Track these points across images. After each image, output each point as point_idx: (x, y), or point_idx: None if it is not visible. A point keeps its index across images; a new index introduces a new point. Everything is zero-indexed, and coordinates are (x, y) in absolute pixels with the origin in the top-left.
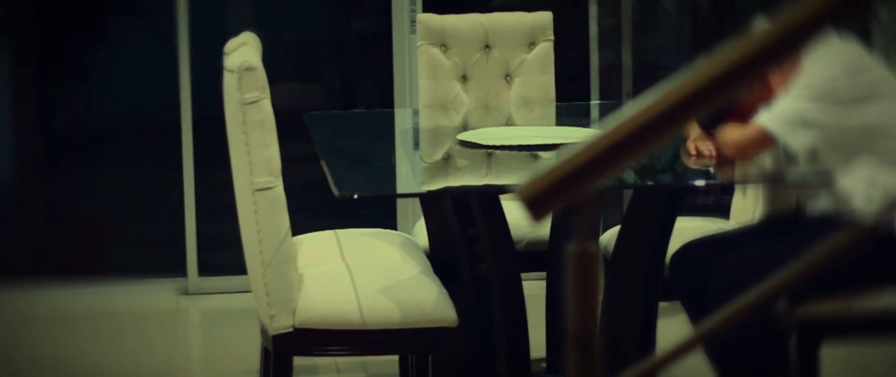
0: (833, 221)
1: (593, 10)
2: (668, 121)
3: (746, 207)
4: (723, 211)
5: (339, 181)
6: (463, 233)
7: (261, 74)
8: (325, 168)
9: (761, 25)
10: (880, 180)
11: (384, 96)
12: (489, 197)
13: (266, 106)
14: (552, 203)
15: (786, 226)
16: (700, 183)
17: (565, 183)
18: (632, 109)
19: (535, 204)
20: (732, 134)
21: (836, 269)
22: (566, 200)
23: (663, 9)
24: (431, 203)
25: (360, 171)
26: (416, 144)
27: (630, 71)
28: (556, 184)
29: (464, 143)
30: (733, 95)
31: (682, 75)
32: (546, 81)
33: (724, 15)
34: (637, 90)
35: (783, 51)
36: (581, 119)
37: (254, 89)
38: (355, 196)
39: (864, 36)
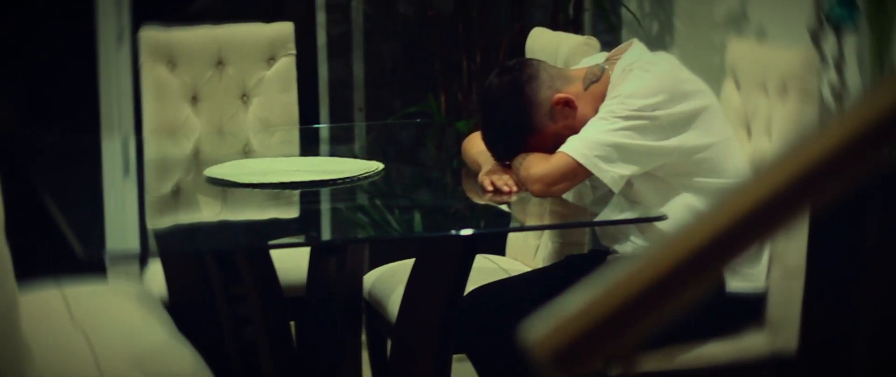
0: None
1: (321, 18)
2: (735, 240)
3: (527, 244)
4: (493, 245)
5: (81, 234)
6: (226, 293)
7: None
8: (60, 217)
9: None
10: None
11: (88, 118)
12: (260, 253)
13: None
14: (585, 364)
15: (593, 270)
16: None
17: (601, 335)
18: (683, 232)
19: (564, 367)
20: (537, 166)
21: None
22: (602, 359)
23: (400, 15)
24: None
25: (101, 219)
26: (145, 180)
27: (362, 84)
28: (587, 337)
29: (213, 181)
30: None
31: (749, 180)
32: (288, 101)
33: (471, 21)
34: (369, 105)
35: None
36: (333, 144)
37: None
38: (105, 255)
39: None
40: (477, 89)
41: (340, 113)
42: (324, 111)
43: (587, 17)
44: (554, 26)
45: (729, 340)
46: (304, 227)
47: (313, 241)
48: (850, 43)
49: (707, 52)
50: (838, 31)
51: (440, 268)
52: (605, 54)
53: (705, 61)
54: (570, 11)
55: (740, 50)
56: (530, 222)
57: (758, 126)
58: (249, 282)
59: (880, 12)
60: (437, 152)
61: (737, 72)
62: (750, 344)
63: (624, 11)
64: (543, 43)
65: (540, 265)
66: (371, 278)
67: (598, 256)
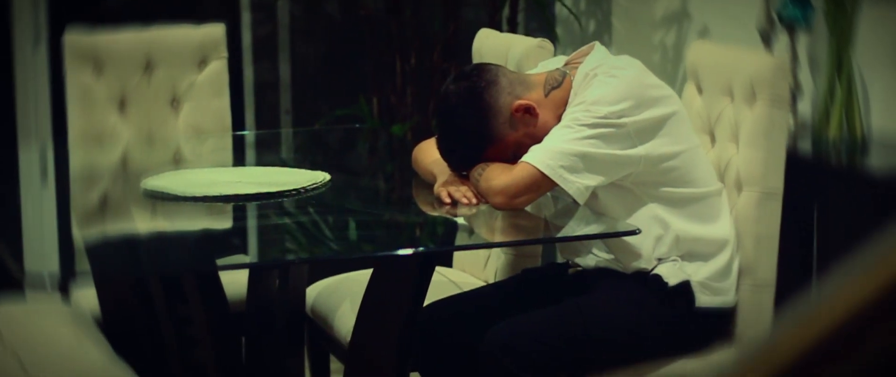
0: (616, 275)
1: (247, 18)
2: None
3: (476, 255)
4: (440, 257)
5: (15, 254)
6: (171, 315)
7: None
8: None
9: None
10: (673, 227)
11: (2, 125)
12: (208, 276)
13: None
14: None
15: (554, 283)
16: (427, 248)
17: None
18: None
19: None
20: (499, 178)
21: (628, 335)
22: None
23: (327, 15)
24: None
25: (19, 234)
26: (70, 192)
27: (289, 87)
28: None
29: (152, 194)
30: None
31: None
32: (220, 106)
33: (405, 19)
34: (296, 108)
35: None
36: (268, 152)
37: None
38: (47, 278)
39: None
40: (412, 91)
41: (267, 116)
42: (249, 115)
43: (522, 16)
44: (491, 25)
45: (698, 356)
46: (251, 244)
47: (268, 262)
48: (803, 43)
49: (646, 52)
50: (791, 31)
51: (397, 285)
52: (563, 57)
53: (645, 61)
54: (506, 10)
55: (703, 53)
56: (486, 234)
57: (723, 132)
58: (197, 304)
59: (839, 13)
60: (373, 158)
61: (699, 75)
62: (719, 360)
63: (560, 9)
64: (492, 45)
65: (491, 277)
66: (313, 292)
67: (556, 270)
